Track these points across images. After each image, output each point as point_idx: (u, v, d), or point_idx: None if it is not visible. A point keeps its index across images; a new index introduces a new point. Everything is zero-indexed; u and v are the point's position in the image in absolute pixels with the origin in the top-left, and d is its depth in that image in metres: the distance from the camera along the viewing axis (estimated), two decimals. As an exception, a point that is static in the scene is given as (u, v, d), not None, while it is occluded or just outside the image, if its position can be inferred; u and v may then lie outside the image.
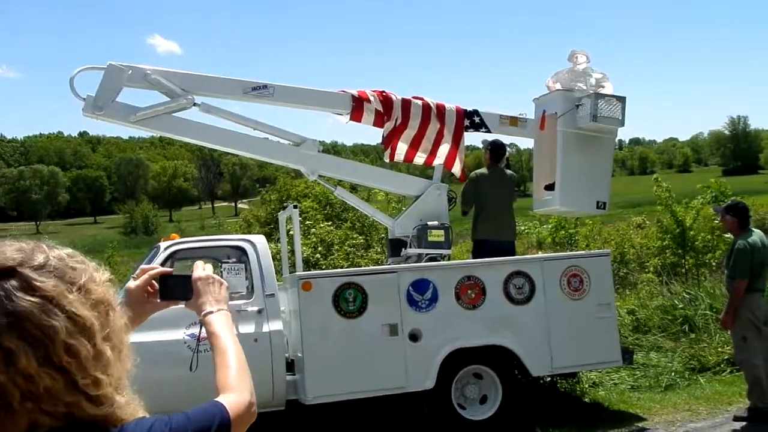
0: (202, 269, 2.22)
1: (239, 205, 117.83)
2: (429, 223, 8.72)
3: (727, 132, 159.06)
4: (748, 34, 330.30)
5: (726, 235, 10.61)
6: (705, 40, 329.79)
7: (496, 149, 9.65)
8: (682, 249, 14.22)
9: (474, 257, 9.23)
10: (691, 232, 14.12)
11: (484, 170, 9.76)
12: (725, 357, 9.93)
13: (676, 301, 11.45)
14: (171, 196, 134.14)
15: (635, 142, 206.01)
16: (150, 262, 7.76)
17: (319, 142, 9.00)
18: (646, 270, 15.30)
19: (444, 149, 9.17)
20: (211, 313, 2.12)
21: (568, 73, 9.45)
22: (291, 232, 9.52)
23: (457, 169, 9.35)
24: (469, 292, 7.95)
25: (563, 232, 16.57)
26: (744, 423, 7.71)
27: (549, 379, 9.07)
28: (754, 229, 8.09)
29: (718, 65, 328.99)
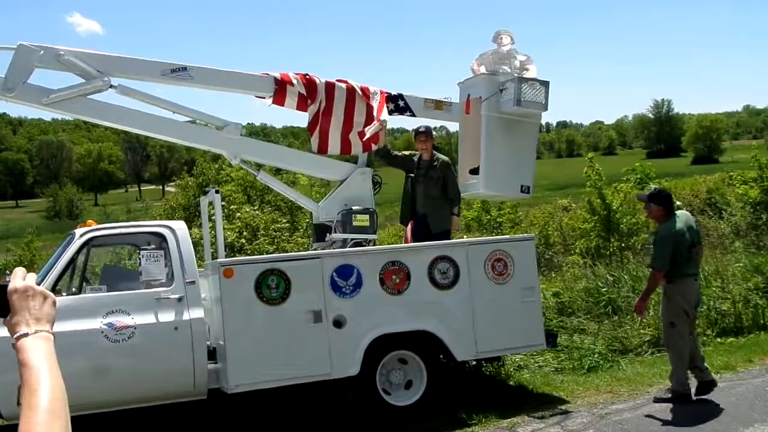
0: (21, 278, 1.73)
1: (167, 188, 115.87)
2: (354, 207, 8.66)
3: (651, 115, 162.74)
4: (672, 20, 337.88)
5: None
6: (629, 25, 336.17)
7: None
8: (607, 232, 14.43)
9: None
10: (617, 215, 14.33)
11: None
12: (647, 339, 10.16)
13: (600, 284, 11.62)
14: (96, 180, 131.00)
15: (562, 125, 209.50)
16: (65, 250, 7.54)
17: (248, 124, 8.90)
18: (572, 252, 15.53)
19: (373, 127, 9.02)
20: (25, 335, 1.64)
21: (493, 55, 9.43)
22: (213, 217, 9.32)
23: (382, 141, 9.18)
24: (394, 277, 7.90)
25: (488, 216, 16.66)
26: (663, 404, 7.81)
27: (474, 363, 9.09)
28: (678, 212, 8.08)
29: (643, 50, 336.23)
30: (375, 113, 8.99)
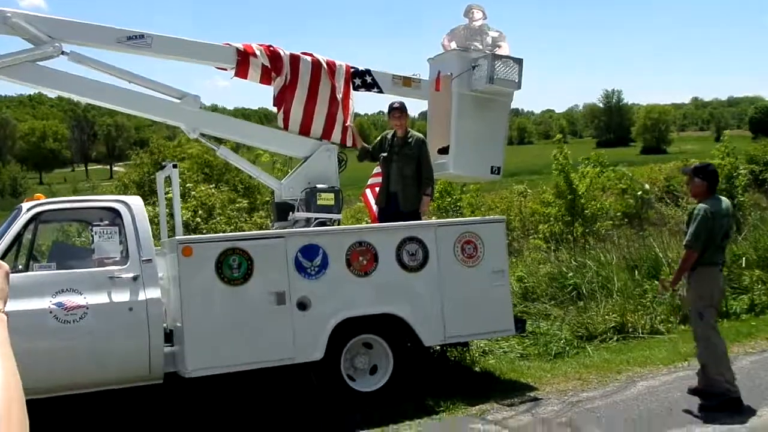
0: None
1: (115, 168, 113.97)
2: (318, 185, 8.41)
3: (601, 105, 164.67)
4: (622, 11, 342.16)
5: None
6: (580, 14, 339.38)
7: None
8: (571, 216, 14.32)
9: None
10: (582, 200, 14.22)
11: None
12: (612, 325, 10.03)
13: (564, 269, 11.46)
14: (41, 158, 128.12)
15: (514, 113, 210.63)
16: (10, 225, 7.08)
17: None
18: (532, 237, 15.44)
19: (339, 118, 8.80)
20: None
21: (465, 30, 9.25)
22: (169, 195, 8.92)
23: (349, 140, 8.96)
24: (361, 258, 7.62)
25: (449, 198, 16.49)
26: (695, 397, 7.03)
27: (439, 348, 8.84)
28: (720, 196, 7.27)
29: (593, 39, 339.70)
30: (339, 95, 8.76)
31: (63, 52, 7.82)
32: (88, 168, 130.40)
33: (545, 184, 19.66)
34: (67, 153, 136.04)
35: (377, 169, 9.57)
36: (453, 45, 9.12)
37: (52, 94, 8.41)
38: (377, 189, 9.51)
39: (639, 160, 71.21)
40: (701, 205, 6.99)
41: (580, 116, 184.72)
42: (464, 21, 9.29)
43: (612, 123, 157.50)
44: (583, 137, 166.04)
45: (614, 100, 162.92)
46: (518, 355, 9.38)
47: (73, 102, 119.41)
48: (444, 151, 8.93)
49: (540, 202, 16.34)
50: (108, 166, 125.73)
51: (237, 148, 12.48)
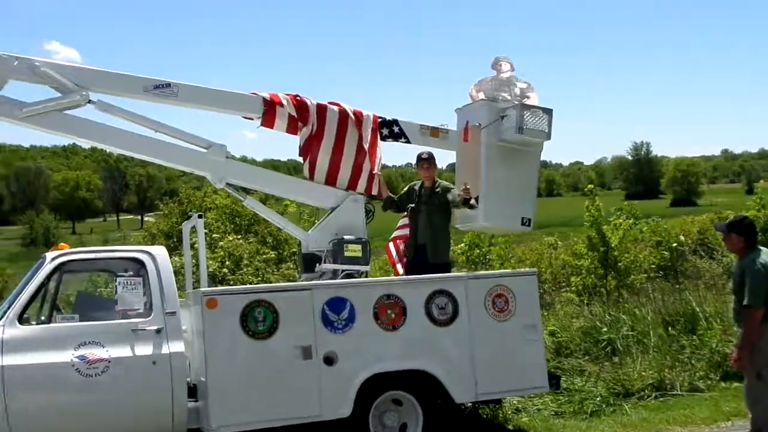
0: None
1: (145, 218, 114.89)
2: (345, 237, 8.23)
3: (629, 157, 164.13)
4: (651, 62, 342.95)
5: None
6: (605, 66, 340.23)
7: None
8: (604, 269, 14.04)
9: None
10: (615, 252, 13.96)
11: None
12: (649, 382, 9.70)
13: (598, 323, 11.18)
14: (74, 207, 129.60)
15: (543, 165, 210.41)
16: (34, 275, 6.99)
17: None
18: (564, 290, 15.14)
19: (366, 168, 8.70)
20: None
21: (492, 82, 9.17)
22: (196, 245, 8.81)
23: (375, 189, 8.86)
24: (389, 311, 7.44)
25: (477, 250, 16.26)
26: None
27: (470, 405, 8.57)
28: (761, 247, 6.74)
29: (621, 91, 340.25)
30: (365, 144, 8.67)
31: (90, 101, 7.84)
32: (120, 218, 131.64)
33: (576, 236, 19.36)
34: (99, 203, 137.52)
35: (402, 221, 9.42)
36: (481, 95, 9.01)
37: (80, 142, 8.40)
38: (400, 242, 9.34)
39: (669, 212, 70.55)
40: (749, 262, 6.53)
41: (608, 168, 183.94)
42: (492, 73, 9.18)
43: (641, 175, 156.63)
44: (612, 189, 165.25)
45: (643, 152, 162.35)
46: (552, 412, 9.10)
47: (105, 153, 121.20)
48: (471, 204, 8.71)
49: (572, 253, 16.10)
50: (139, 216, 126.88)
51: (265, 199, 12.43)
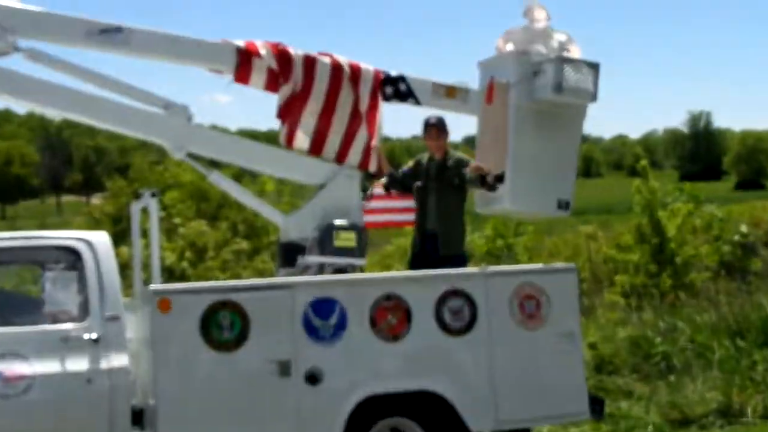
0: None
1: (93, 200, 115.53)
2: (336, 222, 8.11)
3: (685, 130, 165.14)
4: (712, 22, 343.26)
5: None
6: (662, 26, 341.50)
7: None
8: (657, 266, 13.98)
9: None
10: (672, 245, 13.90)
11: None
12: (714, 406, 9.78)
13: (649, 333, 11.26)
14: (4, 186, 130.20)
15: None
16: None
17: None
18: (607, 291, 15.18)
19: (361, 137, 8.58)
20: None
21: (524, 32, 9.04)
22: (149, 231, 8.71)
23: (373, 165, 8.76)
24: (390, 317, 7.37)
25: (501, 241, 16.24)
26: None
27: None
28: None
29: (677, 54, 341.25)
30: (362, 107, 8.60)
31: (17, 49, 7.67)
32: (61, 199, 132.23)
33: (621, 225, 19.37)
34: (35, 181, 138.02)
35: (377, 191, 9.28)
36: (510, 47, 8.88)
37: (4, 101, 8.28)
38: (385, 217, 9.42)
39: (734, 196, 70.84)
40: None
41: (659, 143, 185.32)
42: (523, 22, 9.03)
43: (699, 152, 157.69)
44: (664, 168, 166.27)
45: (702, 124, 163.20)
46: (593, 445, 9.15)
47: (45, 119, 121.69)
48: (499, 179, 8.61)
49: (616, 246, 16.20)
50: (84, 198, 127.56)
51: (240, 176, 12.38)
